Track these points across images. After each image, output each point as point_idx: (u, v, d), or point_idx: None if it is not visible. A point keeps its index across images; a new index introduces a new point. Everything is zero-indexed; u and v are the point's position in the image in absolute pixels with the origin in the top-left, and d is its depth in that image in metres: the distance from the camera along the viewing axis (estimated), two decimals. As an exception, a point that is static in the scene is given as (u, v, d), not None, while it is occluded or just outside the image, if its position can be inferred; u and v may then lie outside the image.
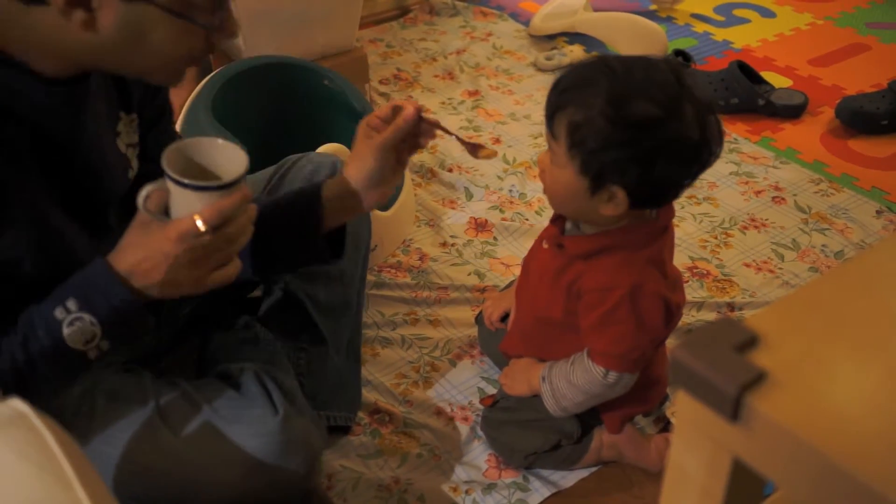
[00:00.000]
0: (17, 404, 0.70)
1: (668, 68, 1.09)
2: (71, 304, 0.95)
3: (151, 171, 1.01)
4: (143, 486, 1.10)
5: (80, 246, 1.04)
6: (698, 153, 1.09)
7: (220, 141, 1.00)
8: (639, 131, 1.06)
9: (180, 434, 1.11)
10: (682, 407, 0.58)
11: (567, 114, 1.09)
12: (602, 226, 1.19)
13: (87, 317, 0.95)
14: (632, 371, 1.22)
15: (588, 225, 1.22)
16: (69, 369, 0.98)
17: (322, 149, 1.57)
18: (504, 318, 1.50)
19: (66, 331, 0.95)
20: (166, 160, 0.93)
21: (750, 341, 0.56)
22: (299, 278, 1.38)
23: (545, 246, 1.28)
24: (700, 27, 2.76)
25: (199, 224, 0.92)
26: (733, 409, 0.54)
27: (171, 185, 0.94)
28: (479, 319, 1.57)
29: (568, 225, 1.25)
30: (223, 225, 0.94)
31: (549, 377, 1.28)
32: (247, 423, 1.11)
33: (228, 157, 0.98)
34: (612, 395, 1.25)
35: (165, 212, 0.96)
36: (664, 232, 1.21)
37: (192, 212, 0.92)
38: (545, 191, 1.20)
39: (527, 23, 2.73)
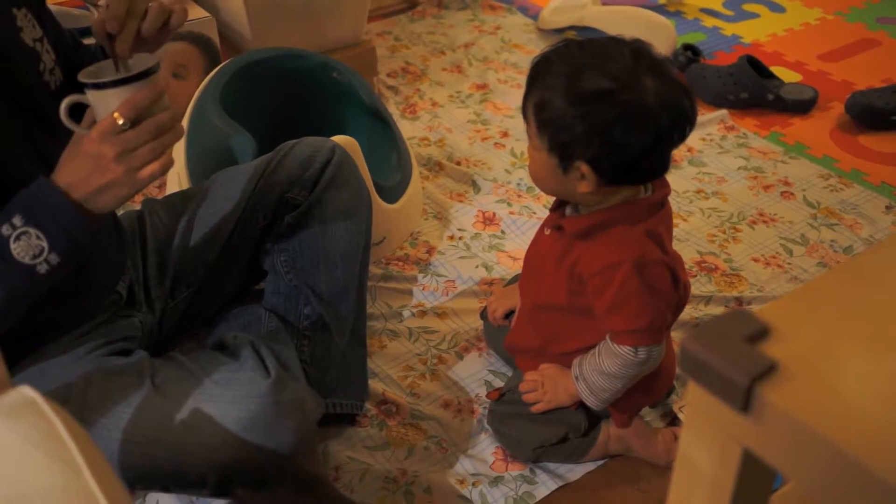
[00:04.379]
0: (27, 391, 0.70)
1: (626, 45, 1.13)
2: (16, 220, 0.99)
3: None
4: (139, 455, 1.10)
5: (31, 165, 1.06)
6: (656, 120, 1.10)
7: (130, 58, 1.08)
8: (592, 104, 1.10)
9: (171, 398, 1.11)
10: (693, 398, 0.58)
11: (533, 96, 1.16)
12: (593, 206, 1.21)
13: (32, 231, 0.99)
14: (658, 342, 1.22)
15: (584, 207, 1.23)
16: (20, 286, 1.01)
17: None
18: (507, 315, 1.50)
19: (13, 246, 0.99)
20: (82, 75, 1.01)
21: (761, 332, 0.56)
22: (300, 268, 1.38)
23: (546, 232, 1.29)
24: (709, 22, 2.75)
25: (117, 118, 0.97)
26: (744, 401, 0.53)
27: (90, 95, 1.00)
28: (483, 315, 1.57)
29: (567, 210, 1.27)
30: (143, 118, 0.99)
31: (582, 375, 1.28)
32: (237, 385, 1.11)
33: (141, 67, 1.04)
34: (647, 370, 1.25)
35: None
36: (660, 207, 1.22)
37: (112, 111, 0.98)
38: (531, 175, 1.24)
39: (535, 16, 2.73)
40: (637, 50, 1.12)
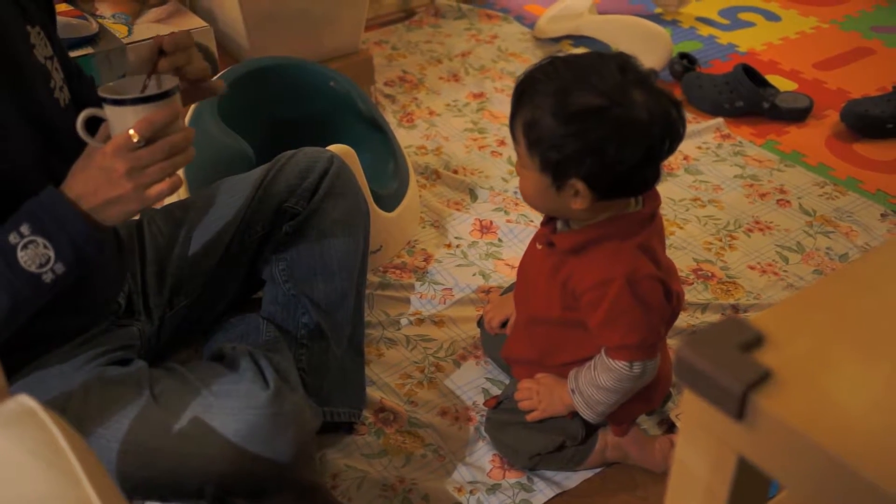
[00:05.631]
0: (25, 400, 0.70)
1: (612, 59, 1.13)
2: (24, 228, 1.00)
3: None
4: (137, 465, 1.10)
5: (35, 179, 1.06)
6: (648, 133, 1.11)
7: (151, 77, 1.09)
8: (583, 121, 1.10)
9: (170, 409, 1.11)
10: (688, 405, 0.58)
11: (521, 116, 1.15)
12: (584, 221, 1.21)
13: (40, 240, 1.00)
14: (653, 356, 1.22)
15: (575, 222, 1.23)
16: (25, 295, 1.02)
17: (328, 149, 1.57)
18: (504, 324, 1.50)
19: (20, 254, 1.00)
20: (102, 90, 1.01)
21: (755, 340, 0.56)
22: (297, 277, 1.38)
23: (538, 247, 1.29)
24: (705, 30, 2.76)
25: (133, 135, 0.98)
26: (739, 408, 0.54)
27: (107, 109, 1.01)
28: (480, 323, 1.57)
29: (559, 224, 1.26)
30: (157, 138, 1.00)
31: (578, 388, 1.28)
32: (236, 397, 1.11)
33: (160, 86, 1.05)
34: (643, 384, 1.25)
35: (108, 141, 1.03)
36: (651, 220, 1.22)
37: (128, 128, 0.99)
38: (522, 195, 1.23)
39: (532, 25, 2.74)
40: (623, 64, 1.12)
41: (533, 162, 1.15)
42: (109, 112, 1.01)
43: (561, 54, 1.17)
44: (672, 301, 1.23)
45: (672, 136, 1.13)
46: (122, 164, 0.99)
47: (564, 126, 1.10)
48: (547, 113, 1.11)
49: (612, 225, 1.19)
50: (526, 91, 1.15)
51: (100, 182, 1.00)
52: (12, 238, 0.99)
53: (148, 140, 0.99)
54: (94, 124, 1.04)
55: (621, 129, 1.09)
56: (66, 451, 0.67)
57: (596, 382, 1.24)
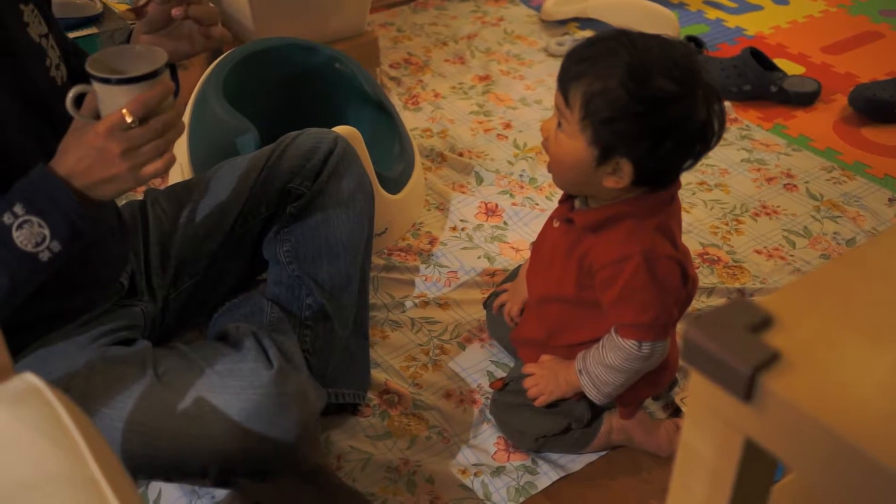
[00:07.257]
0: (31, 378, 0.70)
1: (683, 47, 1.12)
2: (18, 208, 1.00)
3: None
4: (141, 445, 1.10)
5: (32, 157, 1.05)
6: (704, 134, 1.12)
7: (137, 46, 1.08)
8: (655, 106, 1.08)
9: (174, 388, 1.11)
10: (695, 387, 0.58)
11: (584, 83, 1.10)
12: (605, 199, 1.20)
13: (34, 219, 1.00)
14: (663, 338, 1.22)
15: (595, 200, 1.22)
16: (23, 274, 1.02)
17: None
18: (521, 311, 1.49)
19: (15, 234, 0.99)
20: (90, 65, 0.99)
21: (764, 322, 0.56)
22: (302, 258, 1.38)
23: (556, 224, 1.29)
24: (712, 13, 2.74)
25: (126, 115, 0.97)
26: (746, 390, 0.53)
27: (97, 86, 1.00)
28: (486, 305, 1.57)
29: (577, 203, 1.26)
30: (150, 116, 0.99)
31: (585, 368, 1.28)
32: (240, 376, 1.11)
33: (148, 59, 1.03)
34: (651, 366, 1.25)
35: (97, 116, 1.01)
36: (671, 202, 1.22)
37: (119, 107, 0.98)
38: (549, 159, 1.21)
39: (538, 8, 2.72)
40: (692, 54, 1.12)
41: (583, 132, 1.12)
42: (99, 89, 1.00)
43: (628, 30, 1.13)
44: (687, 285, 1.22)
45: (717, 134, 1.14)
46: (116, 145, 0.98)
47: (635, 105, 1.08)
48: (619, 87, 1.08)
49: (632, 204, 1.19)
50: (592, 58, 1.11)
51: (94, 161, 0.99)
52: (6, 218, 0.99)
53: (141, 119, 0.98)
54: (83, 99, 1.02)
55: (684, 121, 1.09)
56: (71, 429, 0.67)
57: (604, 361, 1.24)
